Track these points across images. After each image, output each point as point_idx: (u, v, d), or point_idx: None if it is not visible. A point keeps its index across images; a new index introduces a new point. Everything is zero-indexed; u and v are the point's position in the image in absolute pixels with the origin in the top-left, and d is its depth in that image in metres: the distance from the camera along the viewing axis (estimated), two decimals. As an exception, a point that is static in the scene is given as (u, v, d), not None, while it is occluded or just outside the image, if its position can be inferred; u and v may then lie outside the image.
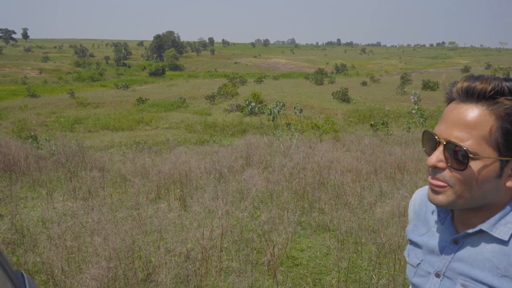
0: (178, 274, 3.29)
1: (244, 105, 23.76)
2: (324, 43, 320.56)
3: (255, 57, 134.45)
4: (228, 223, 4.14)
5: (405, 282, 3.23)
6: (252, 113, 22.72)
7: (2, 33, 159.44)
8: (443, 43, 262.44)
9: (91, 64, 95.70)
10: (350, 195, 5.31)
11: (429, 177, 0.89)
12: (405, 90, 36.20)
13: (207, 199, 4.58)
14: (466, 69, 72.58)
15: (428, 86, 39.66)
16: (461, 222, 0.93)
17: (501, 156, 0.80)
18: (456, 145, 0.81)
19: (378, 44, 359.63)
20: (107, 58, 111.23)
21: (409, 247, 1.08)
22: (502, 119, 0.79)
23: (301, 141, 10.25)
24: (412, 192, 2.10)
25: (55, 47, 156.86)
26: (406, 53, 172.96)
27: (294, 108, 10.29)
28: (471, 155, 0.80)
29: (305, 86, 43.66)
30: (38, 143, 10.74)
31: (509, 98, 0.79)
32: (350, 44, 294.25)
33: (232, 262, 3.72)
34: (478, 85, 0.81)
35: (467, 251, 0.89)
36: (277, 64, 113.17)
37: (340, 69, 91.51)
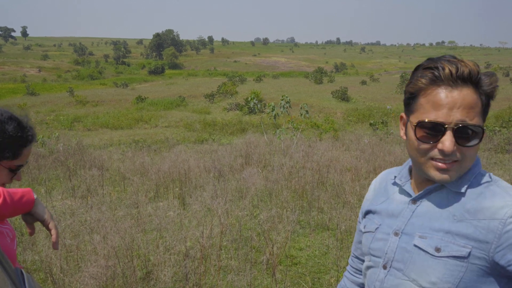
0: (177, 272, 3.29)
1: (244, 103, 23.74)
2: (324, 42, 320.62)
3: (255, 55, 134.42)
4: (227, 222, 4.14)
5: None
6: (251, 112, 22.69)
7: (1, 31, 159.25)
8: (443, 42, 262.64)
9: (90, 62, 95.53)
10: (350, 194, 5.31)
11: (437, 162, 0.94)
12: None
13: (206, 197, 4.58)
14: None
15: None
16: (418, 186, 1.04)
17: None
18: (469, 125, 0.90)
19: (378, 43, 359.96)
20: (106, 56, 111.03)
21: (364, 220, 1.17)
22: (482, 95, 0.92)
23: (301, 140, 10.25)
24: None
25: (54, 45, 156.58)
26: (406, 52, 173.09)
27: (301, 108, 10.22)
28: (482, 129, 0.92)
29: (304, 85, 43.66)
30: (37, 141, 10.73)
31: (486, 79, 0.91)
32: (349, 43, 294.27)
33: (231, 260, 3.72)
34: (465, 70, 0.90)
35: (424, 208, 0.99)
36: (276, 63, 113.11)
37: (340, 68, 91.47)
